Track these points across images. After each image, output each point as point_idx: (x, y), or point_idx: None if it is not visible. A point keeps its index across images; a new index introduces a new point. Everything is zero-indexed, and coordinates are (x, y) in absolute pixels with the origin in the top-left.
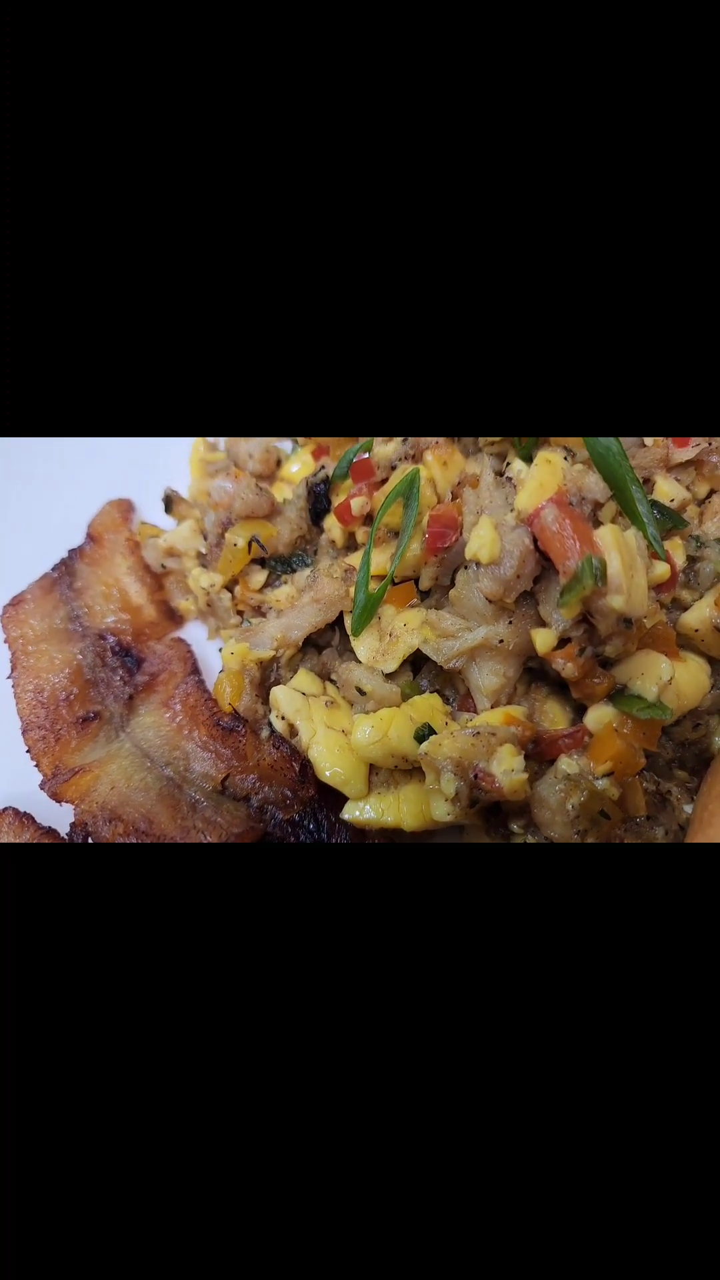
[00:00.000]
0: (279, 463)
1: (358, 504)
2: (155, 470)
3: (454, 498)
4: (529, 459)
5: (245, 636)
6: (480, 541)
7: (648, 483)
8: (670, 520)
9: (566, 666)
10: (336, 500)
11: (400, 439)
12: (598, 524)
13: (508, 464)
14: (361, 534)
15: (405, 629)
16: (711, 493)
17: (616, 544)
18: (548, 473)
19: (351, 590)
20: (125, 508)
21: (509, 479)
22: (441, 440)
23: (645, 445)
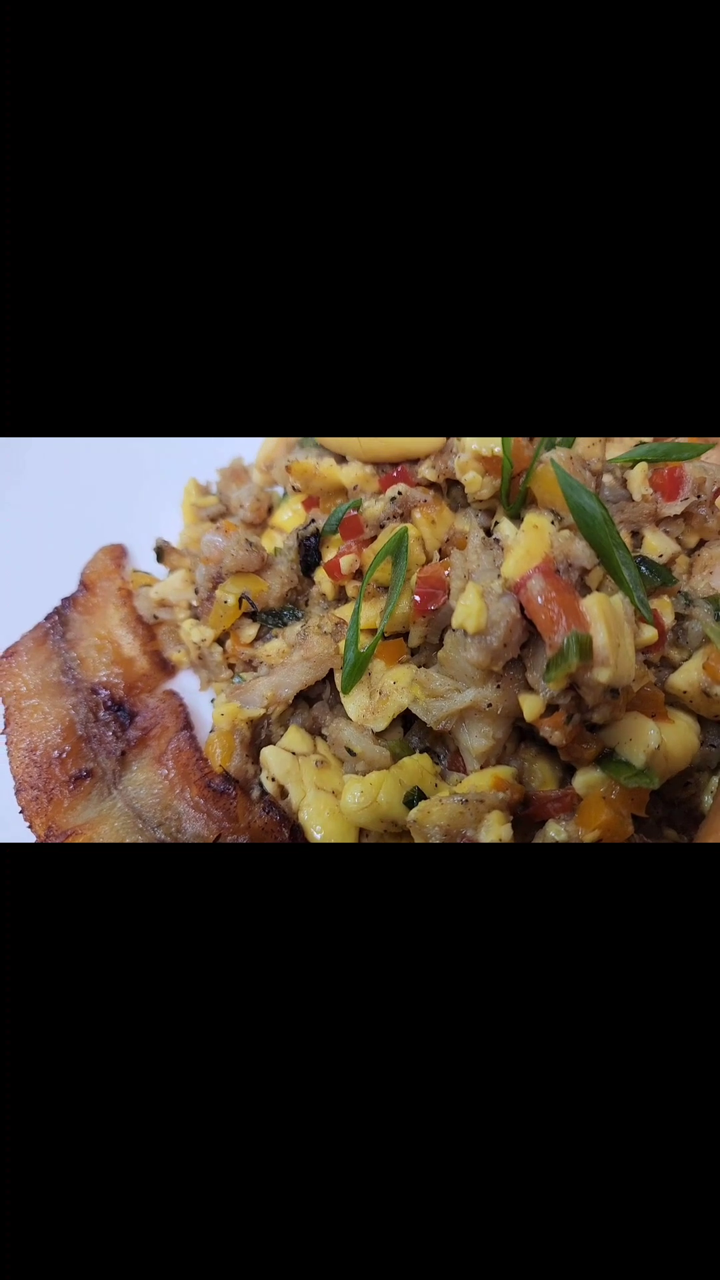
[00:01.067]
0: (270, 509)
1: (347, 562)
2: (148, 513)
3: (443, 555)
4: (517, 518)
5: (236, 695)
6: (467, 611)
7: (636, 535)
8: (659, 577)
9: (554, 734)
10: (326, 554)
11: (389, 499)
12: (585, 589)
13: (496, 523)
14: (352, 588)
15: (395, 687)
16: (701, 543)
17: (603, 615)
18: (535, 539)
19: (341, 646)
20: (118, 554)
21: (497, 540)
22: (430, 498)
23: (634, 500)
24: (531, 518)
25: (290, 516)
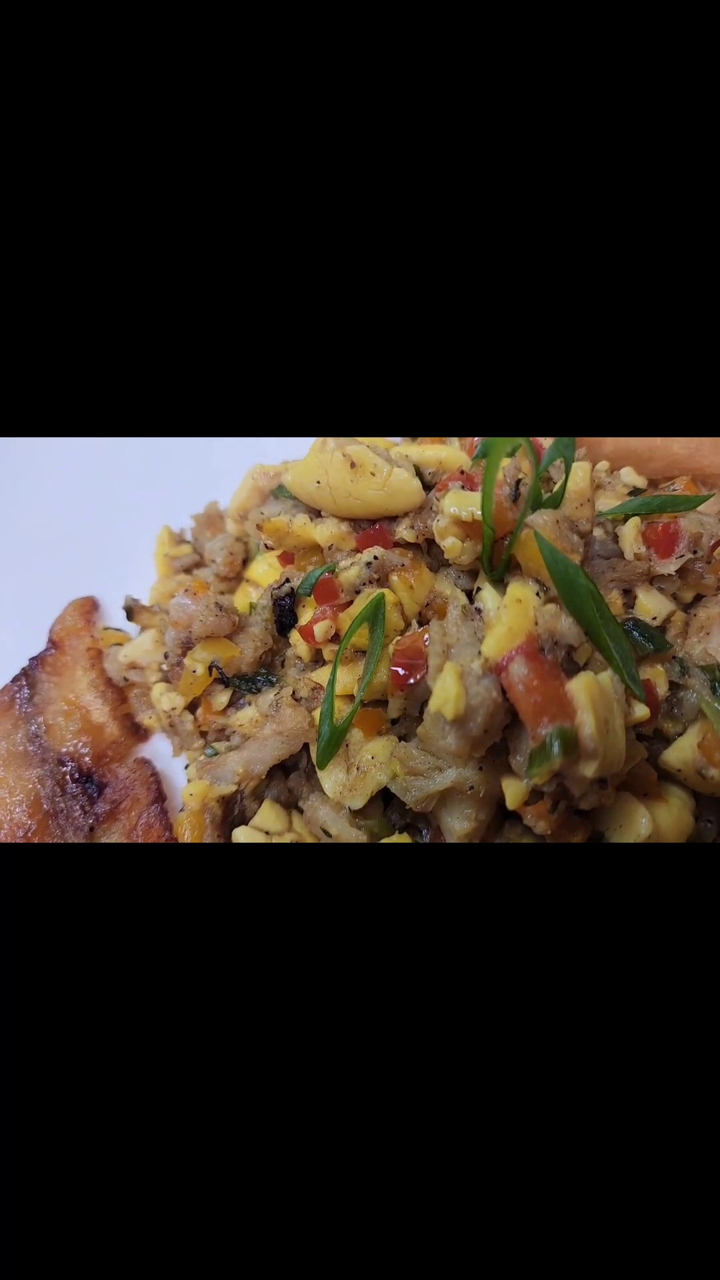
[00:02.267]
0: (246, 560)
1: (321, 629)
2: (121, 560)
3: (423, 620)
4: (500, 581)
5: (207, 769)
6: (445, 696)
7: (628, 593)
8: (652, 643)
9: (538, 824)
10: (302, 615)
11: (364, 563)
12: (573, 666)
13: (478, 589)
14: (329, 651)
15: (373, 763)
16: (698, 598)
17: (591, 701)
18: (518, 615)
19: (317, 716)
20: (88, 608)
21: (478, 610)
22: (408, 561)
23: (626, 559)
24: (515, 589)
25: (266, 570)
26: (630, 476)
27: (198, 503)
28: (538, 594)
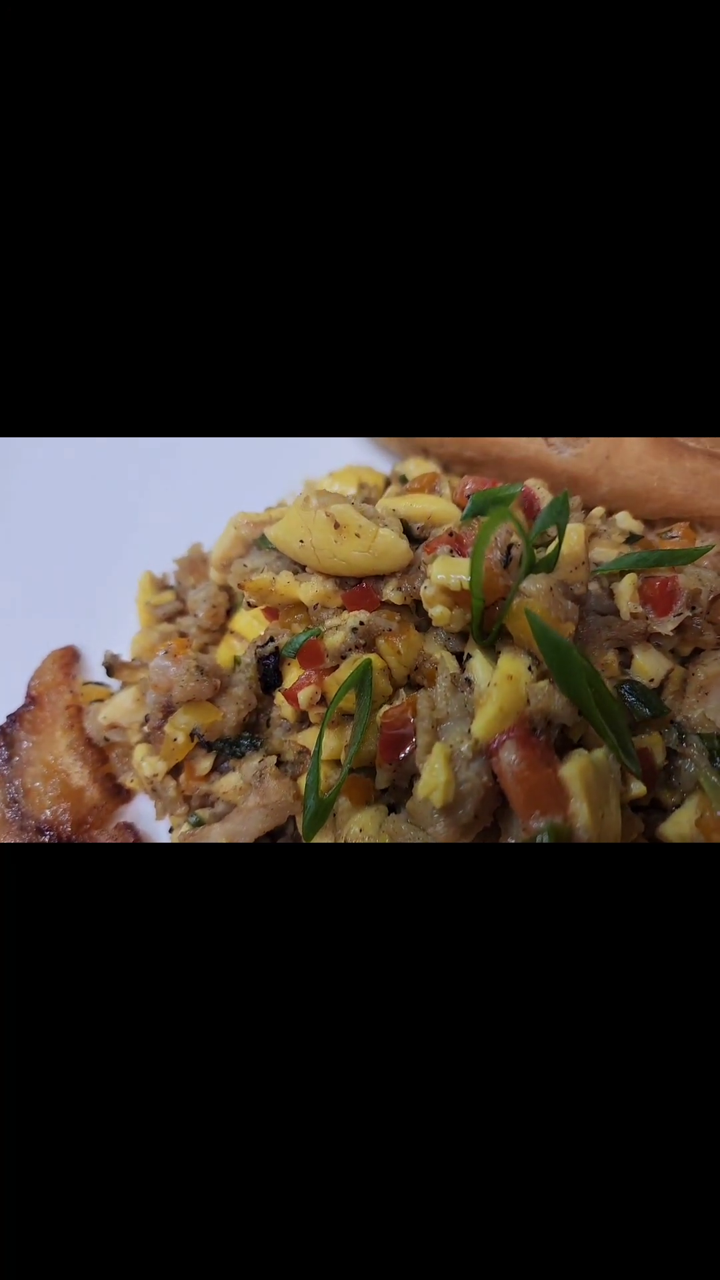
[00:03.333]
0: (230, 610)
1: (305, 696)
2: (102, 605)
3: (411, 683)
4: (491, 648)
5: (190, 841)
6: (434, 782)
7: (624, 652)
8: (649, 707)
9: None
10: (287, 675)
11: (350, 628)
12: (566, 743)
13: (468, 656)
14: (315, 714)
15: (361, 836)
16: (696, 652)
17: (585, 789)
18: (509, 694)
19: (302, 785)
20: (67, 660)
21: (468, 680)
22: (395, 625)
23: (622, 618)
24: (506, 663)
25: (250, 621)
26: (626, 522)
27: (180, 544)
28: (530, 668)
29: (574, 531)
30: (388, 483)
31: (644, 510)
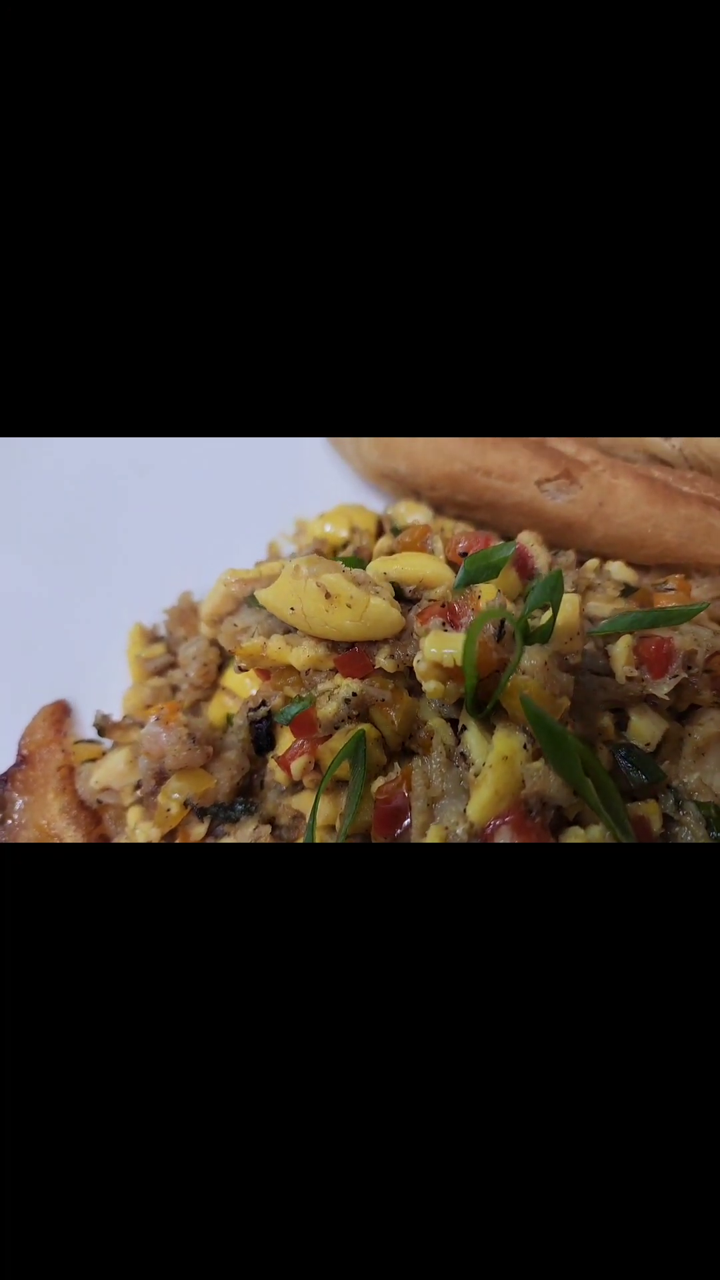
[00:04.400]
0: (221, 665)
1: (298, 766)
2: (92, 656)
3: (406, 751)
4: (487, 720)
5: None
6: None
7: (619, 713)
8: (645, 774)
9: None
10: (280, 741)
11: (343, 699)
12: (562, 820)
13: (463, 727)
14: (309, 780)
15: None
16: (692, 708)
17: None
18: (504, 776)
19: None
20: (59, 716)
21: (463, 754)
22: (389, 695)
23: (617, 681)
24: (501, 743)
25: (243, 677)
26: (621, 573)
27: (169, 588)
28: (525, 745)
29: (569, 603)
30: (379, 525)
31: (638, 556)
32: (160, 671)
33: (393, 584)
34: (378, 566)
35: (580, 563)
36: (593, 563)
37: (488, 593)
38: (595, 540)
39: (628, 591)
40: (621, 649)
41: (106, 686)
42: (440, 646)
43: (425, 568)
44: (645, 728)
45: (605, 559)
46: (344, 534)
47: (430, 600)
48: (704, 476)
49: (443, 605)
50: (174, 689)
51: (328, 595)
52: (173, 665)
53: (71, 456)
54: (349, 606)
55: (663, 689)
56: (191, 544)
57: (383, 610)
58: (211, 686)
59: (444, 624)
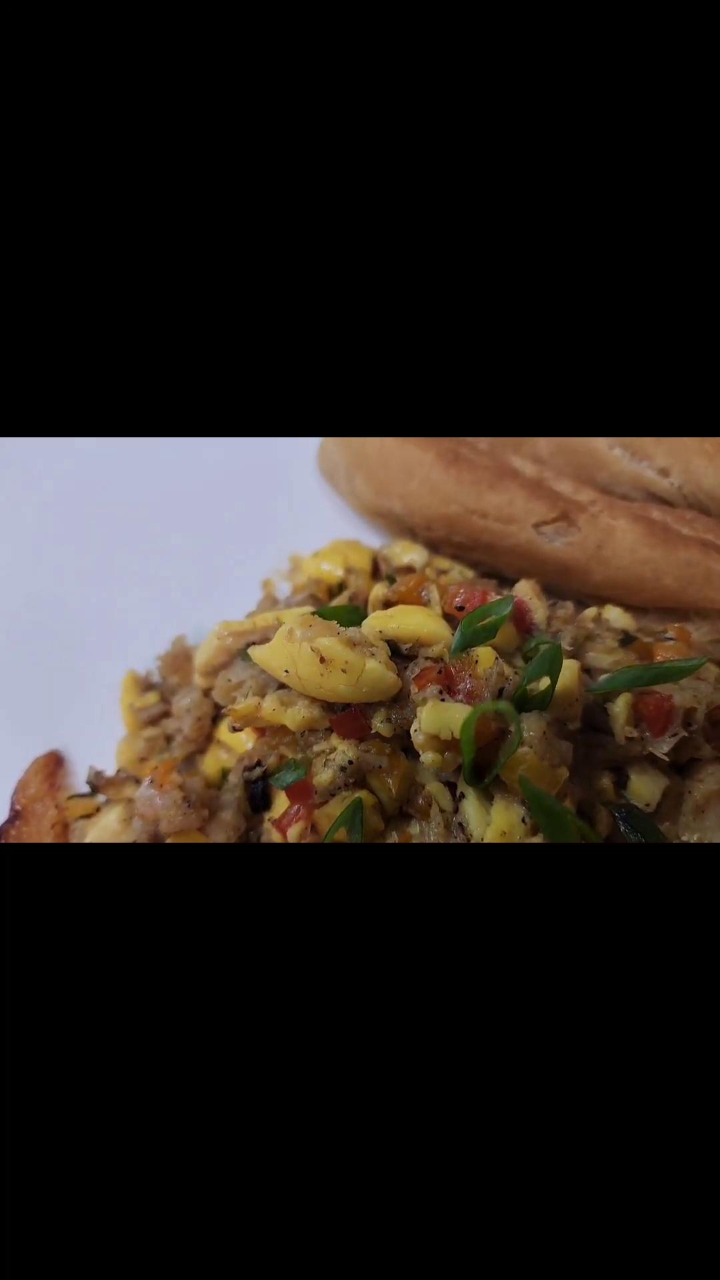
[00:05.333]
0: (216, 718)
1: (294, 831)
2: (85, 707)
3: (404, 813)
4: (486, 791)
5: None
6: None
7: (619, 772)
8: (644, 835)
9: None
10: (276, 803)
11: (339, 767)
12: None
13: (461, 797)
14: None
15: None
16: (692, 761)
17: None
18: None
19: None
20: (51, 768)
21: (460, 825)
22: (385, 762)
23: (617, 740)
24: (499, 817)
25: (243, 706)
26: (619, 619)
27: (163, 630)
28: (524, 819)
29: (568, 670)
30: (374, 565)
31: (637, 600)
32: (154, 720)
33: (389, 641)
34: (373, 624)
35: (580, 604)
36: (590, 611)
37: (485, 659)
38: (594, 583)
39: (626, 640)
40: (621, 708)
41: (101, 733)
42: (437, 719)
43: (422, 626)
44: (645, 787)
45: (604, 601)
46: (339, 573)
47: (427, 659)
48: (703, 517)
49: (439, 670)
50: (168, 738)
51: (322, 660)
52: (166, 714)
53: (60, 487)
54: (344, 671)
55: (662, 748)
56: (186, 585)
57: (379, 675)
58: (206, 739)
59: (440, 692)
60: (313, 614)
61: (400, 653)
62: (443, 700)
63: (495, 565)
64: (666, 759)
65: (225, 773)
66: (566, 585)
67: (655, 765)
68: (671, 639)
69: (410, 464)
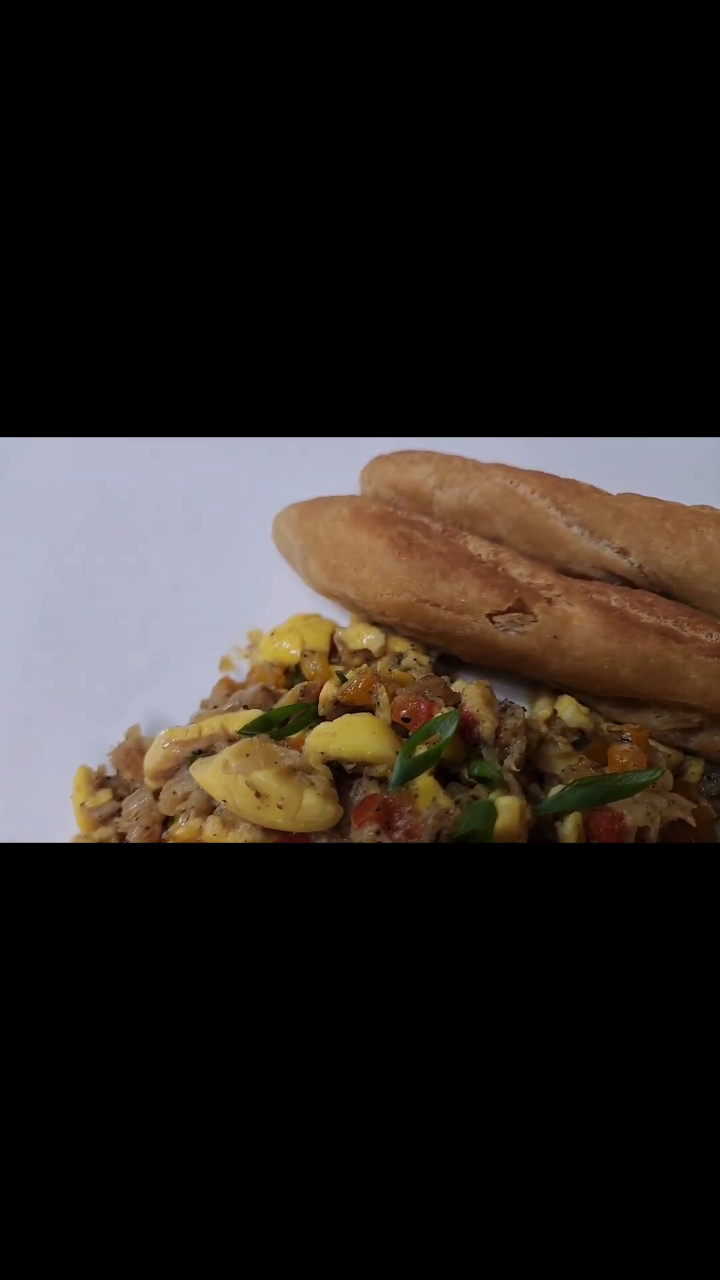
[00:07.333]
0: (166, 821)
1: None
2: (35, 796)
3: None
4: None
5: None
6: None
7: None
8: None
9: None
10: None
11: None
12: None
13: None
14: None
15: None
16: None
17: None
18: None
19: None
20: None
21: None
22: None
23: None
24: None
25: (185, 830)
26: (573, 717)
27: (117, 731)
28: None
29: (508, 811)
30: (332, 645)
31: (595, 690)
32: (105, 820)
33: (329, 766)
34: (315, 745)
35: (537, 687)
36: (543, 712)
37: (424, 795)
38: (551, 672)
39: (581, 743)
40: (570, 829)
41: (54, 830)
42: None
43: (366, 747)
44: None
45: (560, 691)
46: (295, 653)
47: (372, 780)
48: (663, 600)
49: (379, 805)
50: (121, 836)
51: (258, 795)
52: (119, 813)
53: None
54: (280, 807)
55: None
56: (143, 658)
57: (317, 810)
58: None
59: (377, 830)
60: (260, 719)
61: (345, 773)
62: (379, 837)
63: (452, 650)
64: None
65: None
66: (524, 672)
67: None
68: (629, 741)
69: (361, 551)
